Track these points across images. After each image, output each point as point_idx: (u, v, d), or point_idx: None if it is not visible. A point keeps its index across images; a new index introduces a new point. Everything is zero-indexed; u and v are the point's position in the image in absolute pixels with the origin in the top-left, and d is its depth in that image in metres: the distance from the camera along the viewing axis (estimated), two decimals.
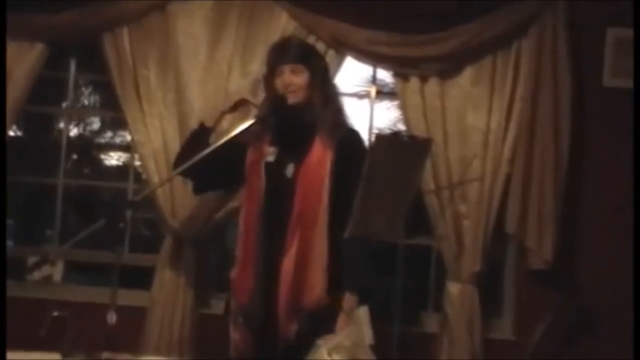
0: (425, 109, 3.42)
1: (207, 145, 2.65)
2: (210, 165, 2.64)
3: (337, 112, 2.72)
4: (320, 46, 3.37)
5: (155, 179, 3.38)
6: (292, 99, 2.64)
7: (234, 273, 2.69)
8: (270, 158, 2.67)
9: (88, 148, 7.84)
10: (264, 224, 2.63)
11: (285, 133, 2.68)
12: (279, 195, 2.63)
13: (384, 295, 3.38)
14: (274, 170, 2.65)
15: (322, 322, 2.55)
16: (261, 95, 2.77)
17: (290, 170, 2.64)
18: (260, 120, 2.64)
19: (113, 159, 7.83)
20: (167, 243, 3.42)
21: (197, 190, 2.94)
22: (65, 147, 3.81)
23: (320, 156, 2.63)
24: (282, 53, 2.71)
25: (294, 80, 2.65)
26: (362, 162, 2.52)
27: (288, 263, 2.58)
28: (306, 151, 2.64)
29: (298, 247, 2.58)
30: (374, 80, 3.67)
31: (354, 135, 2.74)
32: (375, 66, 3.59)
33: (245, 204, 2.71)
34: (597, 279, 3.44)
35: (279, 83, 2.66)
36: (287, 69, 2.66)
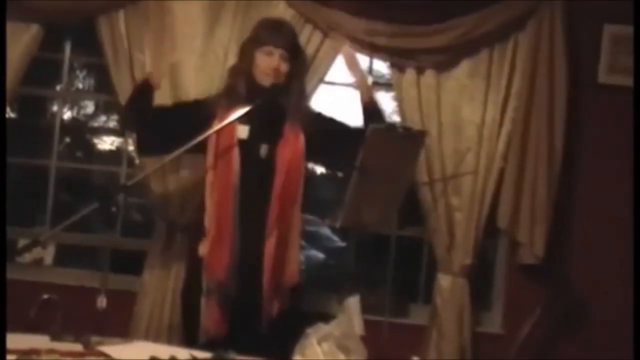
0: (421, 101, 3.42)
1: (151, 101, 2.75)
2: (164, 123, 2.73)
3: (307, 108, 2.89)
4: (317, 35, 3.38)
5: (148, 163, 3.36)
6: (272, 82, 2.71)
7: (206, 250, 2.68)
8: (243, 135, 2.69)
9: (81, 131, 7.81)
10: (241, 203, 2.65)
11: (257, 112, 2.68)
12: (254, 175, 2.67)
13: (374, 286, 3.39)
14: (248, 149, 2.69)
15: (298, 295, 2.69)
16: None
17: (264, 150, 2.69)
18: (254, 107, 2.65)
19: (106, 142, 7.81)
20: (159, 228, 3.42)
21: (142, 150, 2.96)
22: (58, 130, 3.79)
23: (294, 138, 2.70)
24: (278, 34, 2.77)
25: (282, 68, 2.73)
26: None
27: (270, 244, 2.63)
28: (278, 133, 2.70)
29: (280, 229, 2.64)
30: (370, 71, 3.65)
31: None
32: (371, 57, 3.57)
33: (217, 181, 2.69)
34: (588, 274, 3.45)
35: (263, 59, 2.72)
36: (277, 52, 2.72)
